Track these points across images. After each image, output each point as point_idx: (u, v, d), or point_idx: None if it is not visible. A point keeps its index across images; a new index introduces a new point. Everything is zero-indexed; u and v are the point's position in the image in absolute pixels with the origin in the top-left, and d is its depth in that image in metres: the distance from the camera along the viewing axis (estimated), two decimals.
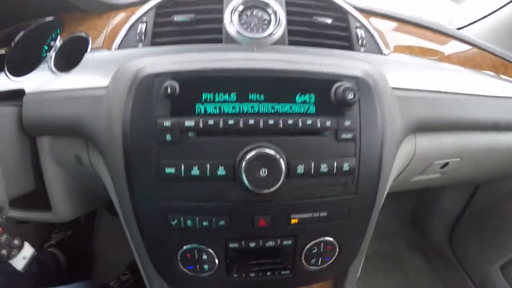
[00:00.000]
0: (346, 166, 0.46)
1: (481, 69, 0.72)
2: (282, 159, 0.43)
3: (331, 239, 0.51)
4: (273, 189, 0.44)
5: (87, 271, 1.28)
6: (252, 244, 0.49)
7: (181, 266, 0.50)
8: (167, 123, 0.43)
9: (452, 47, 0.74)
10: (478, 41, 0.75)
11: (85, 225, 1.36)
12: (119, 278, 1.13)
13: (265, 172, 0.43)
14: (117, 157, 0.46)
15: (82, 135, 0.53)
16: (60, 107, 0.53)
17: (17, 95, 0.56)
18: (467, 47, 0.75)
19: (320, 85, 0.46)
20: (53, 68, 0.59)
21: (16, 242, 0.51)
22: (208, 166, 0.43)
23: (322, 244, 0.51)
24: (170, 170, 0.44)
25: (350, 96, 0.44)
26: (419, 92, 0.57)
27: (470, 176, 0.88)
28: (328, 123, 0.45)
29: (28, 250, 0.54)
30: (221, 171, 0.44)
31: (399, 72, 0.58)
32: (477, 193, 1.23)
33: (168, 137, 0.43)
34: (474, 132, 0.66)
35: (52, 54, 0.61)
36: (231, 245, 0.49)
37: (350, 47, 0.60)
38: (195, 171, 0.44)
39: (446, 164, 0.68)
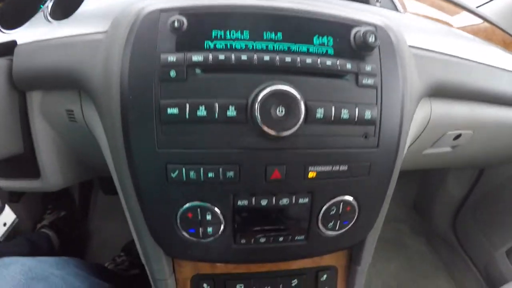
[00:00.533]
0: (368, 114, 0.41)
1: (491, 41, 0.70)
2: (301, 98, 0.39)
3: (350, 198, 0.46)
4: (290, 131, 0.39)
5: (81, 253, 1.22)
6: (263, 202, 0.43)
7: (181, 230, 0.44)
8: (172, 58, 0.38)
9: (465, 19, 0.73)
10: (490, 17, 0.75)
11: (80, 206, 1.30)
12: (114, 260, 1.08)
13: (282, 111, 0.38)
14: (112, 101, 0.40)
15: (76, 86, 0.47)
16: (54, 55, 0.47)
17: (9, 49, 0.50)
18: (479, 20, 0.75)
19: (339, 28, 0.42)
20: (49, 17, 0.54)
21: None
22: (216, 106, 0.38)
23: (341, 204, 0.46)
24: (172, 110, 0.38)
25: (371, 39, 0.40)
26: (435, 53, 0.54)
27: (479, 155, 0.85)
28: (348, 65, 0.41)
29: (9, 216, 0.48)
30: (231, 111, 0.38)
31: (414, 32, 0.55)
32: (482, 178, 1.20)
33: (173, 73, 0.38)
34: (489, 105, 0.63)
35: (49, 3, 0.56)
36: (239, 203, 0.43)
37: (366, 1, 0.57)
38: (202, 111, 0.38)
39: (459, 136, 0.65)
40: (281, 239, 0.47)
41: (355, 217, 0.48)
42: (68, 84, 0.48)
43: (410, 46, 0.49)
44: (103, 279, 0.73)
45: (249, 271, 0.54)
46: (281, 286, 0.54)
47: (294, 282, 0.55)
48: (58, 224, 1.21)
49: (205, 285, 0.53)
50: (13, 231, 0.70)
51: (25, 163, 0.58)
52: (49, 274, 0.50)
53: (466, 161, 0.93)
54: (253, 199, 0.43)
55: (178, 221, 0.44)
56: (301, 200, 0.45)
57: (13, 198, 1.14)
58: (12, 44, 0.51)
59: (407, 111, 0.45)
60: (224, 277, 0.53)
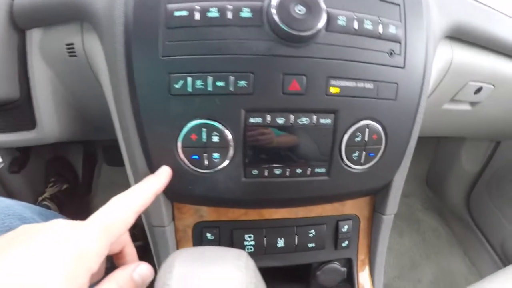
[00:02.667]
0: (392, 29, 0.37)
1: None
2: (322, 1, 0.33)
3: (377, 125, 0.38)
4: (311, 32, 0.32)
5: None
6: (280, 121, 0.35)
7: (183, 157, 0.36)
8: None
9: None
10: None
11: (83, 180, 1.22)
12: None
13: (302, 11, 0.32)
14: (115, 12, 0.35)
15: (78, 16, 0.42)
16: None
17: None
18: None
19: None
20: None
21: None
22: (230, 6, 0.32)
23: (367, 131, 0.38)
24: (181, 13, 0.32)
25: None
26: None
27: (498, 120, 0.77)
28: None
29: None
30: (246, 12, 0.32)
31: None
32: (497, 152, 1.11)
33: None
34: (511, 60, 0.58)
35: None
36: (251, 120, 0.35)
37: None
38: (214, 12, 0.32)
39: (480, 89, 0.59)
40: (299, 171, 0.38)
41: (382, 149, 0.40)
42: (71, 14, 0.42)
43: None
44: None
45: (261, 217, 0.45)
46: (296, 237, 0.45)
47: (312, 232, 0.46)
48: (60, 196, 1.13)
49: (208, 234, 0.44)
50: None
51: (20, 113, 0.52)
52: (30, 218, 0.42)
53: (484, 127, 0.85)
54: (268, 117, 0.35)
55: (180, 144, 0.35)
56: (322, 120, 0.36)
57: (13, 168, 1.07)
58: None
59: (431, 38, 0.40)
60: (230, 225, 0.45)
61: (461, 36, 0.48)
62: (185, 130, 0.35)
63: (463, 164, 1.18)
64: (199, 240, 0.45)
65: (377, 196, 0.49)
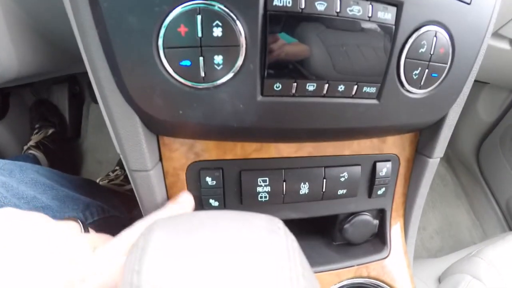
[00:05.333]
0: None
1: None
2: None
3: (446, 34, 0.26)
4: None
5: (73, 173, 1.03)
6: (320, 7, 0.22)
7: (166, 65, 0.23)
8: None
9: None
10: None
11: (70, 123, 1.08)
12: (108, 175, 0.88)
13: None
14: None
15: None
16: None
17: None
18: None
19: None
20: None
21: None
22: None
23: (435, 40, 0.26)
24: None
25: None
26: None
27: None
28: None
29: None
30: None
31: None
32: None
33: None
34: None
35: None
36: (276, 2, 0.21)
37: None
38: None
39: None
40: (341, 88, 0.25)
41: (446, 70, 0.28)
42: None
43: None
44: (86, 194, 0.53)
45: (279, 155, 0.33)
46: (325, 181, 0.33)
47: (344, 176, 0.34)
48: (46, 143, 1.00)
49: (208, 178, 0.32)
50: None
51: None
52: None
53: None
54: None
55: (161, 43, 0.22)
56: (381, 14, 0.23)
57: None
58: None
59: None
60: (238, 166, 0.32)
61: None
62: (168, 19, 0.21)
63: (479, 111, 1.07)
64: (195, 186, 0.33)
65: (422, 134, 0.37)
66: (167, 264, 0.12)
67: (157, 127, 0.29)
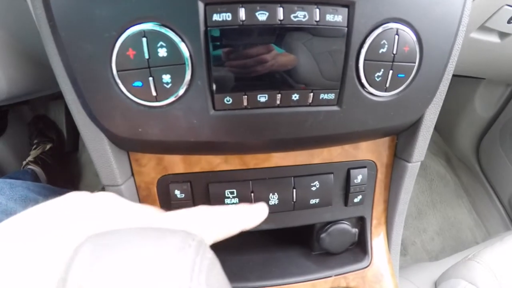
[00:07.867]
0: None
1: None
2: None
3: (410, 31, 0.25)
4: None
5: (72, 186, 1.04)
6: (261, 16, 0.21)
7: (121, 86, 0.23)
8: None
9: None
10: None
11: (68, 137, 1.10)
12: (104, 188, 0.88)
13: None
14: None
15: None
16: None
17: None
18: None
19: None
20: None
21: None
22: None
23: (397, 38, 0.25)
24: None
25: None
26: None
27: None
28: None
29: None
30: None
31: None
32: None
33: None
34: None
35: None
36: (216, 17, 0.21)
37: None
38: None
39: None
40: (295, 97, 0.24)
41: (415, 69, 0.27)
42: None
43: None
44: None
45: (246, 166, 0.32)
46: (294, 191, 0.33)
47: (315, 185, 0.33)
48: (44, 158, 1.02)
49: (177, 191, 0.32)
50: None
51: None
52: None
53: (508, 66, 0.71)
54: (241, 10, 0.21)
55: (114, 66, 0.22)
56: (330, 17, 0.22)
57: None
58: None
59: None
60: (205, 178, 0.32)
61: None
62: (118, 44, 0.22)
63: (476, 107, 1.05)
64: (167, 199, 0.32)
65: (400, 138, 0.36)
66: (84, 277, 0.12)
67: (123, 144, 0.29)
